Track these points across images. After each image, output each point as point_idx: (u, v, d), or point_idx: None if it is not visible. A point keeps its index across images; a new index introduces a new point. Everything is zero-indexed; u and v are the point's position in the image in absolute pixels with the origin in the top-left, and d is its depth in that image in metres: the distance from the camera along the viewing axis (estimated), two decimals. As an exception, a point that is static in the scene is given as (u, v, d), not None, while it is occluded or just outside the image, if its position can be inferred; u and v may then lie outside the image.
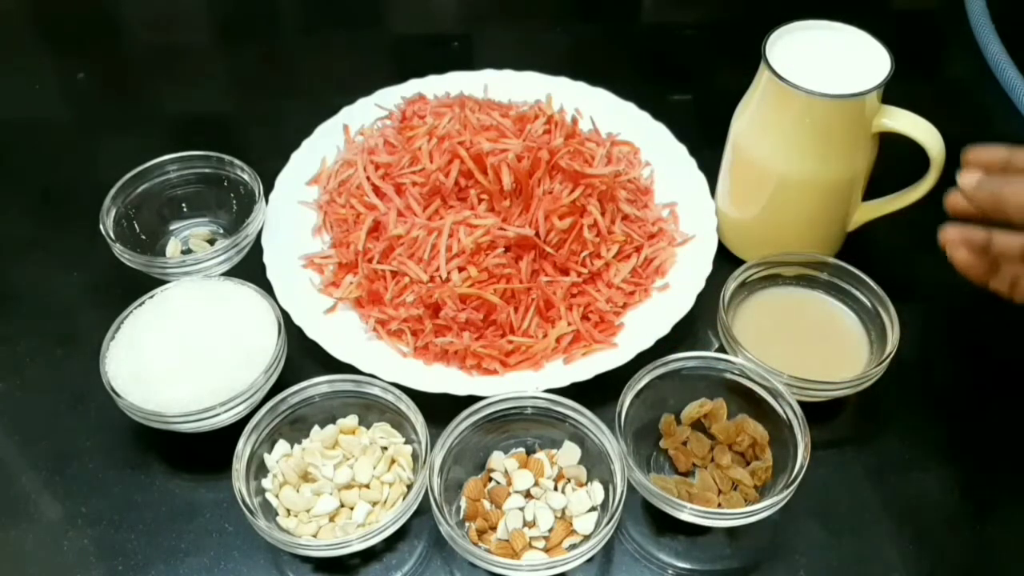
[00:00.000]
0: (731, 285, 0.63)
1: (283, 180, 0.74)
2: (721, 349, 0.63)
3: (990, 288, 0.55)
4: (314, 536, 0.56)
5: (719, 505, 0.56)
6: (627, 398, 0.57)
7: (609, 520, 0.52)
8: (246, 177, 0.71)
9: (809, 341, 0.64)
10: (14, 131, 0.84)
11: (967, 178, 0.53)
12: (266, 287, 0.65)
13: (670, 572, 0.56)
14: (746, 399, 0.59)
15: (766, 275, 0.66)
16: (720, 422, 0.60)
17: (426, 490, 0.54)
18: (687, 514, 0.53)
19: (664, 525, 0.57)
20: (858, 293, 0.64)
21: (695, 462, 0.59)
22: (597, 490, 0.57)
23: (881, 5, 0.99)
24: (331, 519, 0.56)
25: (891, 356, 0.59)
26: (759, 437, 0.58)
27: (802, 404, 0.57)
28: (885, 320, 0.62)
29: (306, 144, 0.76)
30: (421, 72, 0.81)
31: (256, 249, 0.69)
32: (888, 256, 0.71)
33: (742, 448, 0.59)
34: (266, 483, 0.57)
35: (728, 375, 0.59)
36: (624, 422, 0.56)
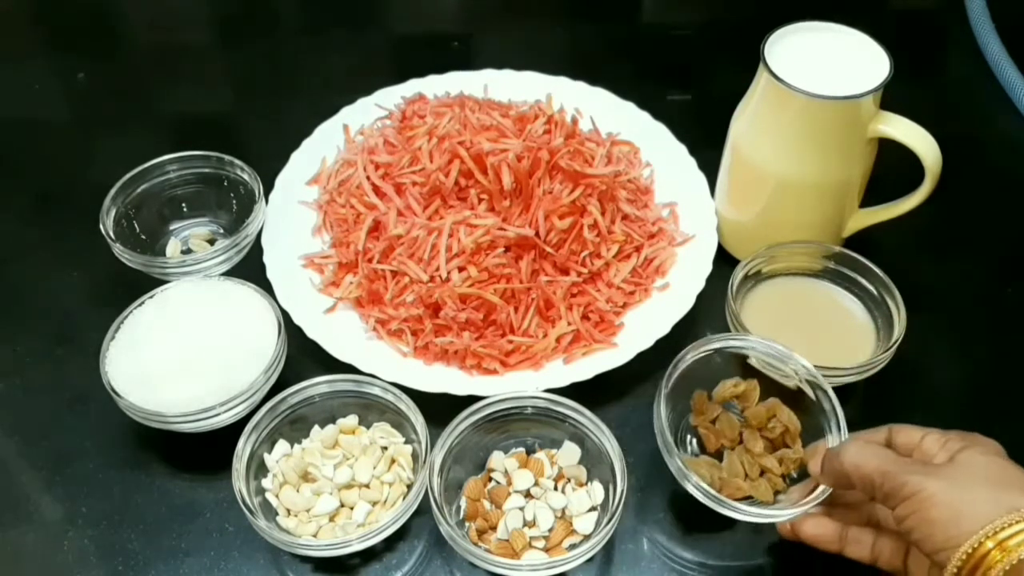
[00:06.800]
0: (738, 274, 0.63)
1: (283, 180, 0.74)
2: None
3: (848, 556, 0.53)
4: (314, 536, 0.56)
5: (747, 491, 0.56)
6: (669, 379, 0.56)
7: (609, 520, 0.52)
8: (246, 177, 0.71)
9: (815, 330, 0.64)
10: (14, 131, 0.84)
11: (812, 467, 0.53)
12: (266, 287, 0.65)
13: (673, 572, 0.56)
14: (784, 390, 0.59)
15: (772, 264, 0.66)
16: (752, 405, 0.59)
17: (426, 490, 0.54)
18: (728, 511, 0.53)
19: (668, 522, 0.58)
20: (864, 281, 0.64)
21: (724, 443, 0.59)
22: (597, 490, 0.57)
23: (881, 6, 0.99)
24: (331, 519, 0.57)
25: (899, 342, 0.60)
26: (792, 426, 0.58)
27: None
28: (891, 307, 0.62)
29: (306, 144, 0.76)
30: (421, 72, 0.81)
31: (256, 249, 0.69)
32: (884, 256, 0.71)
33: (773, 435, 0.58)
34: (266, 483, 0.57)
35: (770, 362, 0.59)
36: (663, 403, 0.55)
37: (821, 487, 0.53)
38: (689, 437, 0.60)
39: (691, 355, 0.57)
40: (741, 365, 0.60)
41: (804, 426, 0.58)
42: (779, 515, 0.53)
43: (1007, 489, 0.44)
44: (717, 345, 0.58)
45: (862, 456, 0.48)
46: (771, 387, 0.59)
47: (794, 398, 0.58)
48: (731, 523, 0.55)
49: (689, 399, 0.60)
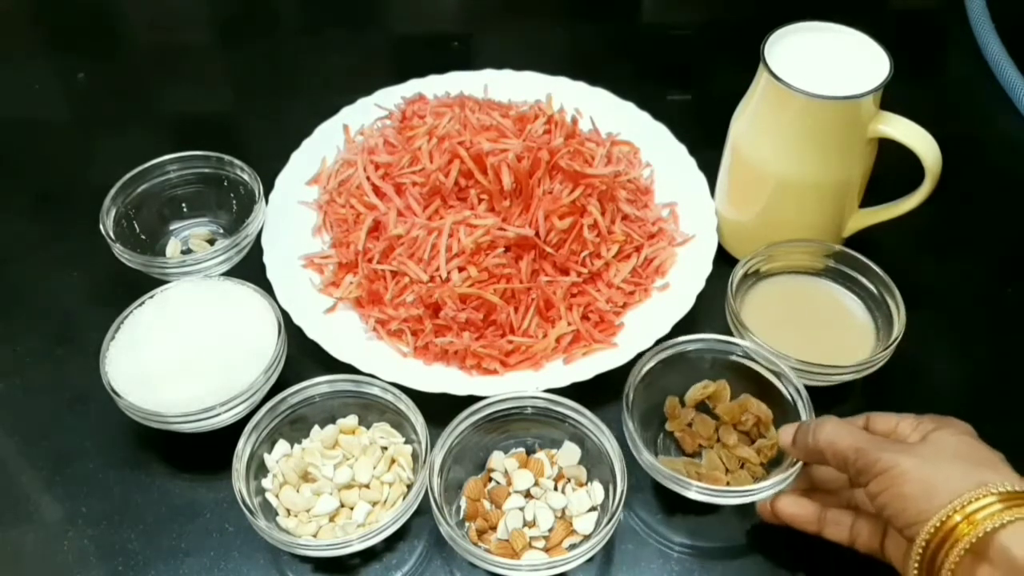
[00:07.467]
0: (738, 273, 0.63)
1: (283, 180, 0.74)
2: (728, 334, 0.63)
3: (826, 537, 0.53)
4: (314, 536, 0.56)
5: (727, 484, 0.57)
6: (633, 382, 0.57)
7: (609, 520, 0.52)
8: (246, 177, 0.71)
9: (815, 328, 0.65)
10: (14, 131, 0.84)
11: (783, 436, 0.54)
12: (266, 287, 0.65)
13: (673, 572, 0.56)
14: (749, 380, 0.59)
15: (771, 262, 0.66)
16: (724, 403, 0.60)
17: (426, 490, 0.54)
18: (695, 492, 0.54)
19: (667, 522, 0.58)
20: (864, 280, 0.65)
21: (701, 443, 0.59)
22: (597, 490, 0.57)
23: (881, 6, 0.99)
24: (331, 519, 0.57)
25: (898, 340, 0.60)
26: (763, 415, 0.59)
27: (808, 391, 0.57)
28: (891, 306, 0.62)
29: (306, 144, 0.76)
30: (421, 72, 0.81)
31: (256, 249, 0.69)
32: (884, 256, 0.71)
33: (747, 427, 0.59)
34: (266, 483, 0.57)
35: (731, 357, 0.60)
36: (631, 405, 0.56)
37: (792, 461, 0.53)
38: (668, 442, 0.61)
39: (639, 373, 0.58)
40: (710, 365, 0.60)
41: (775, 414, 0.59)
42: (752, 491, 0.53)
43: (977, 466, 0.45)
44: (662, 356, 0.59)
45: (837, 433, 0.50)
46: (741, 382, 0.60)
47: (765, 390, 0.59)
48: (730, 523, 0.56)
49: (663, 406, 0.60)
